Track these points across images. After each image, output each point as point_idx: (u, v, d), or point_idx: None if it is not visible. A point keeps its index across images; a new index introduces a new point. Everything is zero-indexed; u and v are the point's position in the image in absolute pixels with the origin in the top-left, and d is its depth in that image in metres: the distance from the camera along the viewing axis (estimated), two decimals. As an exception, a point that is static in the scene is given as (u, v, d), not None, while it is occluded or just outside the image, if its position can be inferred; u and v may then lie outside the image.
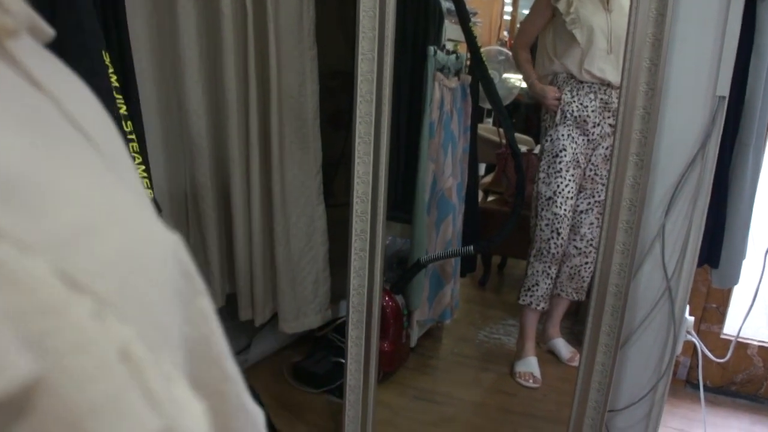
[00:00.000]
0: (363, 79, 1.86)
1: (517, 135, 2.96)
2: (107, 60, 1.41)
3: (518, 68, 2.71)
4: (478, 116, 2.99)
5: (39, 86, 0.27)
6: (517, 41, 2.69)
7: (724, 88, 1.73)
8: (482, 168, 3.66)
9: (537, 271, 2.61)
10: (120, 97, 1.45)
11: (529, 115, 3.60)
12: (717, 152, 1.80)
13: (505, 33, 4.82)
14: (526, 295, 2.66)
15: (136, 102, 1.65)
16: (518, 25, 4.59)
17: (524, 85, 3.37)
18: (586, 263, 2.63)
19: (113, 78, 1.43)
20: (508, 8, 4.73)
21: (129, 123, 1.49)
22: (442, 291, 2.80)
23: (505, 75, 3.60)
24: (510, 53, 3.72)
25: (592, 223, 2.60)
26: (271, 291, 2.40)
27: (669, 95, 1.76)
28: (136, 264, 0.25)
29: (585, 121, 2.49)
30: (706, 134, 1.78)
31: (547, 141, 2.54)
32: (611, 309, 1.86)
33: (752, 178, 1.94)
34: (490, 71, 2.42)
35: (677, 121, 1.79)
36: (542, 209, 2.56)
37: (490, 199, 3.47)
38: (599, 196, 2.55)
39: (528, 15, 2.76)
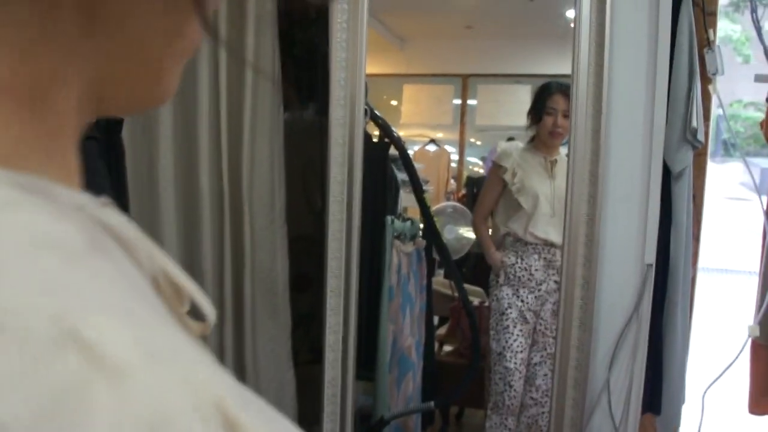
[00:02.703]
0: (333, 238, 2.07)
1: (468, 286, 3.15)
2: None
3: (478, 238, 2.96)
4: (431, 270, 3.18)
5: None
6: (476, 214, 2.96)
7: (651, 257, 1.98)
8: (436, 319, 3.81)
9: (495, 424, 2.74)
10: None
11: (478, 264, 3.80)
12: (650, 312, 2.02)
13: (452, 182, 5.11)
14: (486, 448, 2.77)
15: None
16: (465, 176, 4.92)
17: (474, 236, 3.61)
18: (543, 413, 2.77)
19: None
20: (454, 156, 5.03)
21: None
22: (405, 445, 2.89)
23: (451, 226, 3.84)
24: (458, 204, 4.00)
25: (546, 375, 2.76)
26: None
27: (604, 265, 2.00)
28: None
29: (529, 279, 2.71)
30: (638, 297, 2.01)
31: (493, 300, 2.75)
32: (567, 460, 2.01)
33: (683, 332, 2.16)
34: (440, 223, 2.64)
35: (613, 287, 2.02)
36: (494, 364, 2.73)
37: (445, 350, 3.62)
38: (550, 349, 2.73)
39: (483, 189, 3.05)
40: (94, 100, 0.31)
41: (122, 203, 1.80)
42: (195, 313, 0.35)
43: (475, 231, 2.96)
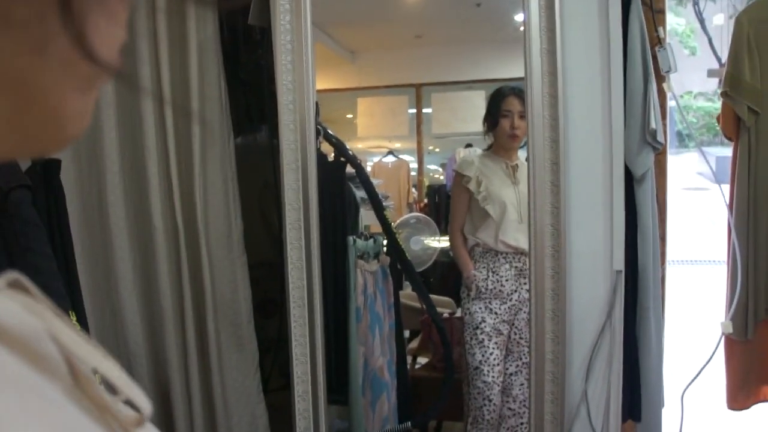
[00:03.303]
0: (293, 266, 2.01)
1: (437, 297, 3.11)
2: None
3: (455, 253, 2.91)
4: (398, 283, 3.14)
5: None
6: (452, 227, 2.91)
7: (620, 263, 1.95)
8: (407, 333, 3.77)
9: (475, 439, 2.70)
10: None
11: (445, 273, 3.77)
12: (622, 319, 1.99)
13: (413, 191, 5.10)
14: (469, 464, 2.72)
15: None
16: (426, 185, 4.90)
17: (440, 245, 3.58)
18: (521, 423, 2.74)
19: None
20: (413, 164, 5.02)
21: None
22: (384, 467, 2.83)
23: (417, 237, 3.80)
24: (421, 215, 3.97)
25: (522, 384, 2.72)
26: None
27: (573, 275, 1.96)
28: None
29: (501, 290, 2.67)
30: (610, 305, 1.98)
31: (466, 313, 2.71)
32: (549, 475, 1.97)
33: (657, 336, 2.14)
34: (405, 235, 2.59)
35: (583, 296, 1.99)
36: (472, 378, 2.69)
37: (419, 364, 3.57)
38: (526, 358, 2.69)
39: (451, 201, 3.00)
40: None
41: (64, 248, 1.72)
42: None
43: (453, 246, 2.90)
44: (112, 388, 0.32)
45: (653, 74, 2.04)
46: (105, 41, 0.29)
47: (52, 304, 0.31)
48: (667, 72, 2.12)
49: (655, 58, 2.12)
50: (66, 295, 1.66)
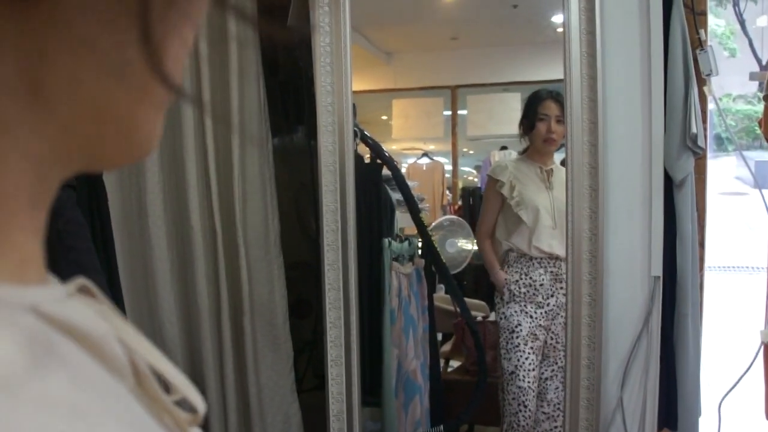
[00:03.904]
0: (330, 268, 2.02)
1: (470, 301, 3.10)
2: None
3: (483, 257, 2.89)
4: (432, 286, 3.14)
5: None
6: (479, 232, 2.89)
7: (658, 269, 1.92)
8: (440, 336, 3.77)
9: (510, 445, 2.68)
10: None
11: (479, 276, 3.75)
12: (659, 325, 1.97)
13: (448, 194, 5.08)
14: (504, 469, 2.71)
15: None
16: (460, 187, 4.89)
17: (474, 248, 3.57)
18: (555, 427, 2.72)
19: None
20: (448, 167, 5.02)
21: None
22: (416, 470, 2.83)
23: (452, 240, 3.80)
24: (455, 217, 3.95)
25: (557, 388, 2.70)
26: (250, 491, 2.41)
27: (610, 280, 1.94)
28: None
29: (535, 294, 2.65)
30: (647, 311, 1.95)
31: (501, 318, 2.69)
32: (584, 482, 1.95)
33: (694, 343, 2.11)
34: (440, 237, 2.57)
35: (620, 302, 1.97)
36: (507, 384, 2.67)
37: (451, 367, 3.57)
38: (562, 362, 2.67)
39: (482, 205, 2.98)
40: (57, 167, 0.29)
41: (105, 246, 1.75)
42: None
43: (481, 250, 2.89)
44: (166, 388, 0.34)
45: (694, 77, 2.01)
46: (176, 65, 0.31)
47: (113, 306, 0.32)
48: (708, 75, 2.09)
49: (696, 61, 2.09)
50: (109, 292, 1.69)
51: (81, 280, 0.30)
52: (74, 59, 0.27)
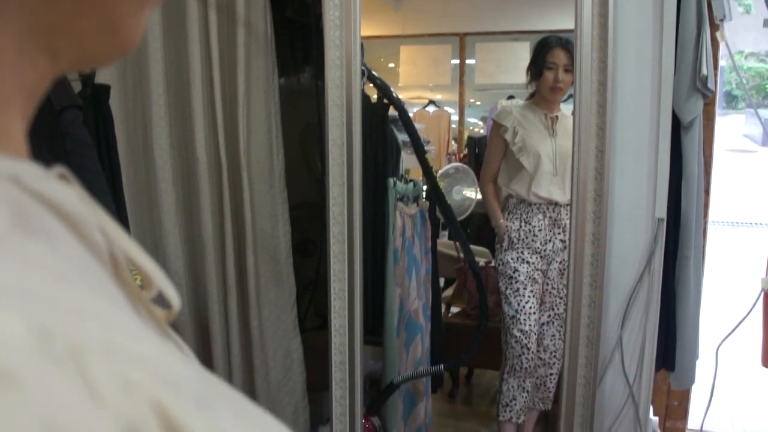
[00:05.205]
0: (335, 203, 2.03)
1: (474, 247, 3.11)
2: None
3: (485, 203, 2.90)
4: (435, 232, 3.15)
5: None
6: (483, 177, 2.90)
7: (662, 211, 1.93)
8: (442, 281, 3.80)
9: (512, 387, 2.71)
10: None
11: (483, 224, 3.77)
12: (662, 267, 1.98)
13: (453, 143, 5.07)
14: (505, 411, 2.74)
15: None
16: (466, 137, 4.88)
17: (478, 196, 3.57)
18: (551, 374, 2.75)
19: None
20: (454, 117, 5.00)
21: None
22: (415, 409, 2.88)
23: (459, 187, 3.80)
24: (461, 165, 3.95)
25: (554, 335, 2.73)
26: (251, 423, 2.45)
27: (614, 221, 1.95)
28: None
29: (533, 240, 2.67)
30: (650, 252, 1.96)
31: (500, 264, 2.71)
32: (580, 419, 1.98)
33: (695, 287, 2.12)
34: (446, 185, 2.58)
35: (623, 242, 1.97)
36: (509, 327, 2.70)
37: (452, 312, 3.60)
38: (558, 309, 2.70)
39: (486, 151, 2.98)
40: (45, 55, 0.28)
41: (112, 171, 1.76)
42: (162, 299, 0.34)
43: (483, 195, 2.90)
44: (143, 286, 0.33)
45: (707, 20, 1.99)
46: None
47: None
48: (722, 20, 2.07)
49: (709, 4, 2.07)
50: (117, 213, 1.70)
51: (59, 169, 0.29)
52: None
